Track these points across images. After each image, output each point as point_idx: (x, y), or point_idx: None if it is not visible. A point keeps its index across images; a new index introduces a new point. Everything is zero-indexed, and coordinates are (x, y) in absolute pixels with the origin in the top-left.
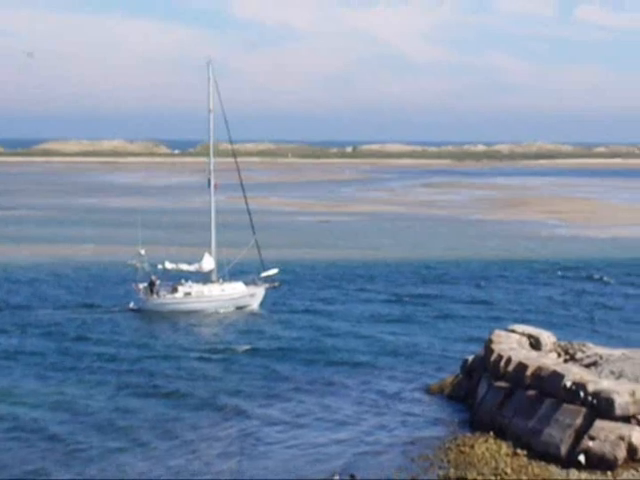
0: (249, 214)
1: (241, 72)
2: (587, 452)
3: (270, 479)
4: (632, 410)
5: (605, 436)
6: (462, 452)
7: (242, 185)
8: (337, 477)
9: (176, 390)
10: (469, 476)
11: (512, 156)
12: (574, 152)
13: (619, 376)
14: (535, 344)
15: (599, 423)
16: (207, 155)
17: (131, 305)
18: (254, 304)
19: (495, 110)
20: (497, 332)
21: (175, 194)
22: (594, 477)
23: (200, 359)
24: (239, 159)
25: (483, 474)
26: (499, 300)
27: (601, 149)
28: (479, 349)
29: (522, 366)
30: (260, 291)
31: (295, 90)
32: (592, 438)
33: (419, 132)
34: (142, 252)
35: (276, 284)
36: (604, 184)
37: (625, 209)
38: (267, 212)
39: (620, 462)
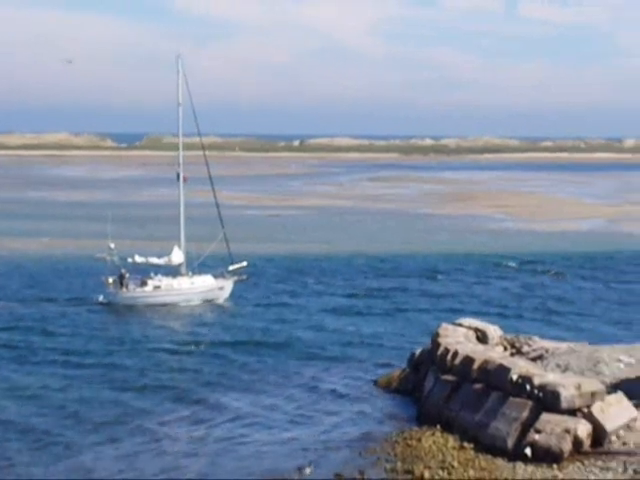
0: (217, 207)
1: (188, 66)
2: (533, 445)
3: (221, 478)
4: (578, 403)
5: (551, 429)
6: (409, 446)
7: (211, 179)
8: (308, 470)
9: (146, 384)
10: (416, 469)
11: (459, 150)
12: (521, 146)
13: (565, 369)
14: (482, 338)
15: (545, 416)
16: (153, 148)
17: (100, 299)
18: (223, 297)
19: (442, 104)
20: (444, 326)
21: (124, 187)
22: (540, 470)
23: (170, 352)
24: (186, 153)
25: (430, 467)
26: (454, 293)
27: (547, 143)
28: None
29: (469, 360)
30: (229, 284)
31: (242, 83)
32: (538, 431)
33: (367, 126)
34: (112, 245)
35: (244, 277)
36: (550, 178)
37: (571, 203)
38: (210, 205)
39: (566, 455)
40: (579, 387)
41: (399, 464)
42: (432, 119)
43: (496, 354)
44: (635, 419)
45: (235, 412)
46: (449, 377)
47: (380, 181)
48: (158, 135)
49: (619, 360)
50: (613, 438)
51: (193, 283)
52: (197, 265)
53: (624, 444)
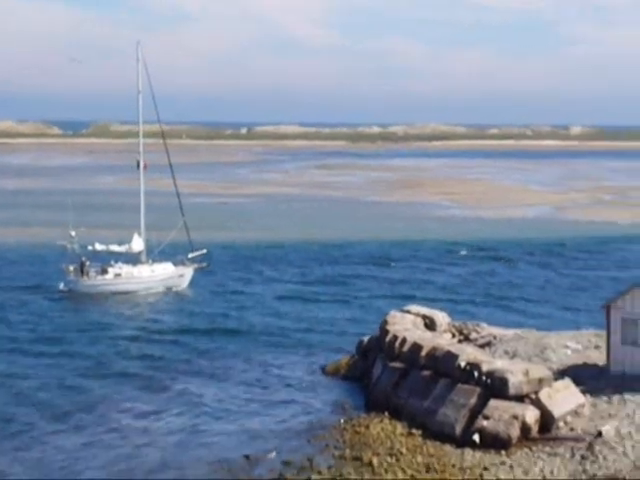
0: (178, 196)
1: (132, 54)
2: (481, 431)
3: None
4: (526, 389)
5: (499, 415)
6: (357, 433)
7: (171, 167)
8: (273, 454)
9: (109, 371)
10: (364, 456)
11: (406, 138)
12: (467, 134)
13: (513, 356)
14: (430, 325)
15: (493, 402)
16: (100, 136)
17: (61, 286)
18: (183, 284)
19: (389, 92)
20: (392, 313)
21: (70, 175)
22: (488, 456)
23: (131, 339)
24: (131, 140)
25: (378, 454)
26: (405, 280)
27: (494, 131)
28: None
29: (417, 347)
30: (189, 271)
31: (188, 71)
32: (486, 417)
33: (314, 114)
34: (73, 233)
35: (204, 264)
36: (497, 165)
37: (518, 190)
38: (163, 194)
39: (514, 441)
40: (527, 373)
41: (347, 451)
42: (379, 107)
43: (444, 341)
44: (582, 405)
45: (187, 401)
46: (397, 364)
47: (327, 169)
48: (105, 122)
49: (566, 346)
50: (561, 424)
51: (153, 271)
52: (157, 253)
53: (571, 430)
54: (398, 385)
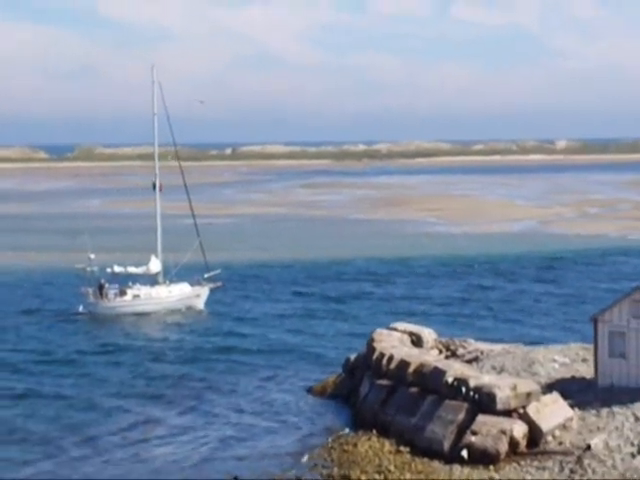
0: (193, 217)
1: (112, 74)
2: (470, 447)
3: None
4: (513, 404)
5: (487, 430)
6: (345, 451)
7: (186, 188)
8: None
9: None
10: (353, 474)
11: (391, 155)
12: (452, 150)
13: (500, 371)
14: (417, 341)
15: (481, 418)
16: (85, 159)
17: (80, 309)
18: (199, 304)
19: (373, 110)
20: (379, 330)
21: (57, 199)
22: (477, 472)
23: (155, 360)
24: (117, 163)
25: (367, 472)
26: (394, 297)
27: (479, 146)
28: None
29: (404, 363)
30: (205, 291)
31: (170, 92)
32: (474, 433)
33: (298, 133)
34: (92, 256)
35: (219, 284)
36: (482, 181)
37: (503, 205)
38: (149, 216)
39: (502, 456)
40: (514, 388)
41: (336, 469)
42: (364, 124)
43: (431, 357)
44: (571, 419)
45: (173, 426)
46: (384, 381)
47: (313, 188)
48: (89, 146)
49: (554, 360)
50: (549, 438)
51: (171, 291)
52: (174, 273)
53: (560, 444)
54: (386, 402)
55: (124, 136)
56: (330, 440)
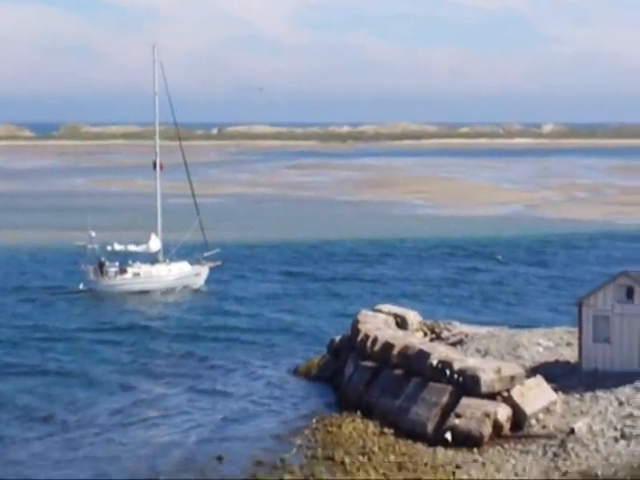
0: (193, 197)
1: (107, 54)
2: (453, 429)
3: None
4: (497, 387)
5: (471, 413)
6: (329, 432)
7: (187, 168)
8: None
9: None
10: (337, 456)
11: (377, 137)
12: (439, 132)
13: (485, 354)
14: (401, 323)
15: (465, 401)
16: (70, 138)
17: (81, 286)
18: (199, 282)
19: (360, 91)
20: (363, 312)
21: (40, 177)
22: (460, 454)
23: (152, 338)
24: (103, 142)
25: (350, 453)
26: (384, 279)
27: (465, 129)
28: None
29: (388, 345)
30: (204, 270)
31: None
32: (458, 416)
33: (285, 113)
34: (92, 234)
35: (218, 263)
36: (468, 164)
37: (489, 188)
38: (134, 195)
39: (486, 439)
40: (499, 371)
41: (320, 450)
42: (350, 105)
43: (416, 340)
44: (554, 402)
45: (162, 403)
46: (369, 363)
47: (299, 168)
48: (75, 124)
49: (538, 344)
50: (533, 421)
51: (171, 270)
52: (174, 252)
53: (544, 427)
54: (370, 384)
55: (112, 115)
56: (314, 421)
